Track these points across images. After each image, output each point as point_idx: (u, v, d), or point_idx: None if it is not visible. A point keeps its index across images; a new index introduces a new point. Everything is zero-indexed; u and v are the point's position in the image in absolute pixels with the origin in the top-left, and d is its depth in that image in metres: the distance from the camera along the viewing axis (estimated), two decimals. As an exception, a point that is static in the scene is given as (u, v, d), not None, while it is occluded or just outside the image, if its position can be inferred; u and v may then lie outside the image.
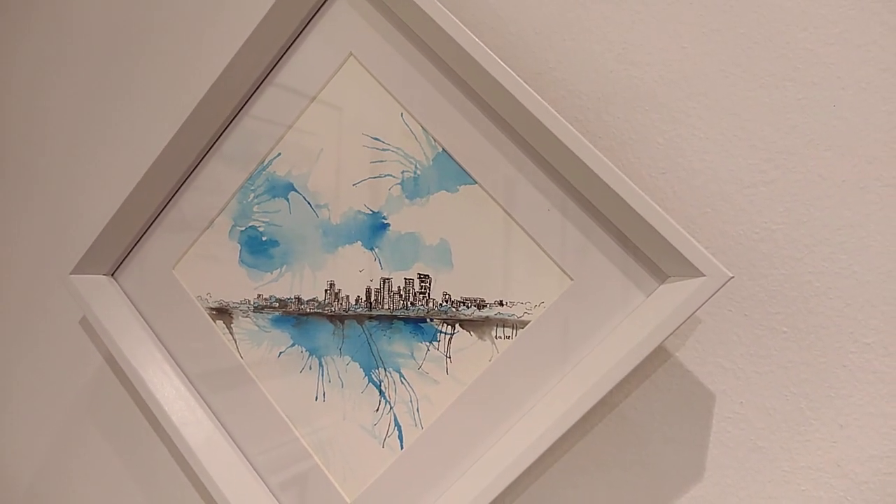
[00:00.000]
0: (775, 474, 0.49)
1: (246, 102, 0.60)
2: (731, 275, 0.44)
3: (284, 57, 0.58)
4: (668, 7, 0.52)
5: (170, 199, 0.63)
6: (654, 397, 0.52)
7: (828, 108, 0.49)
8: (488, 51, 0.49)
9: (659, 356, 0.52)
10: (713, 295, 0.43)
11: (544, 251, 0.50)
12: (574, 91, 0.55)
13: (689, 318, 0.44)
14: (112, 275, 0.67)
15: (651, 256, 0.47)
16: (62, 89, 0.78)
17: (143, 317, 0.65)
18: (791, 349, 0.49)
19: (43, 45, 0.80)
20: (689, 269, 0.44)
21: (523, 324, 0.51)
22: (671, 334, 0.44)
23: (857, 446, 0.47)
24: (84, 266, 0.64)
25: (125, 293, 0.66)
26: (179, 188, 0.63)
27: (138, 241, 0.65)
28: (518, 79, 0.48)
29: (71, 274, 0.64)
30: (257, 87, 0.59)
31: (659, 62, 0.53)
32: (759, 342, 0.50)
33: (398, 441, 0.54)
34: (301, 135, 0.58)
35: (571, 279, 0.49)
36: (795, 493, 0.48)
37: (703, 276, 0.43)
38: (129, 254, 0.65)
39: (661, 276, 0.47)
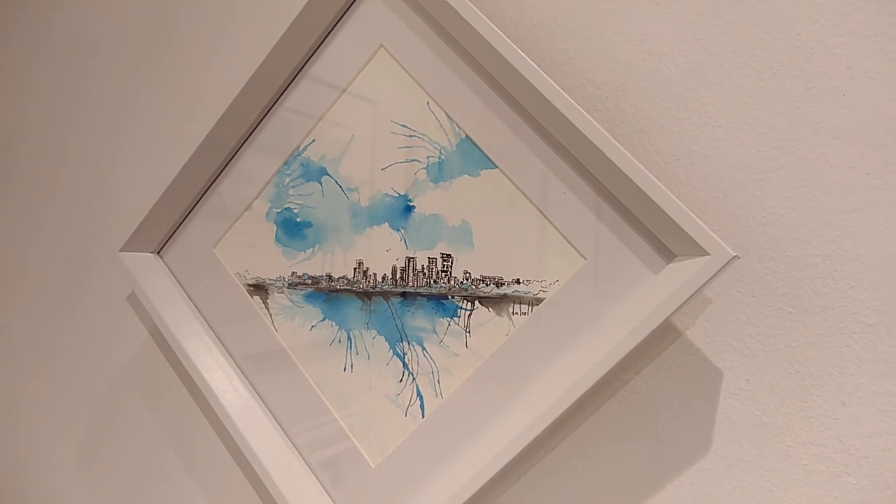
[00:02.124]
0: (779, 448, 0.51)
1: (282, 93, 0.64)
2: (734, 254, 0.46)
3: (319, 50, 0.62)
4: (686, 3, 0.55)
5: (211, 183, 0.67)
6: (664, 374, 0.54)
7: (837, 97, 0.51)
8: (510, 42, 0.52)
9: (670, 335, 0.54)
10: (717, 273, 0.46)
11: (559, 232, 0.53)
12: (593, 81, 0.57)
13: (693, 295, 0.46)
14: (158, 253, 0.71)
15: (659, 236, 0.49)
16: (114, 79, 0.83)
17: (185, 291, 0.70)
18: (797, 329, 0.51)
19: (96, 38, 0.86)
20: (695, 249, 0.46)
21: (538, 301, 0.54)
22: (676, 310, 0.47)
23: (857, 423, 0.49)
24: (133, 244, 0.69)
25: (170, 270, 0.70)
26: (220, 173, 0.67)
27: (182, 221, 0.69)
28: (537, 69, 0.51)
29: (121, 251, 0.69)
30: (293, 79, 0.63)
31: (675, 53, 0.55)
32: (766, 322, 0.52)
33: (420, 410, 0.58)
34: (333, 122, 0.62)
35: (585, 258, 0.52)
36: (798, 467, 0.50)
37: (708, 255, 0.46)
38: (173, 234, 0.70)
39: (669, 256, 0.49)
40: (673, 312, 0.47)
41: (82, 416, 0.83)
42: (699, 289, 0.46)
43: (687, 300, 0.46)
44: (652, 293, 0.48)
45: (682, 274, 0.47)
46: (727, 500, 0.52)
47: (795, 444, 0.51)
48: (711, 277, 0.46)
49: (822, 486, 0.50)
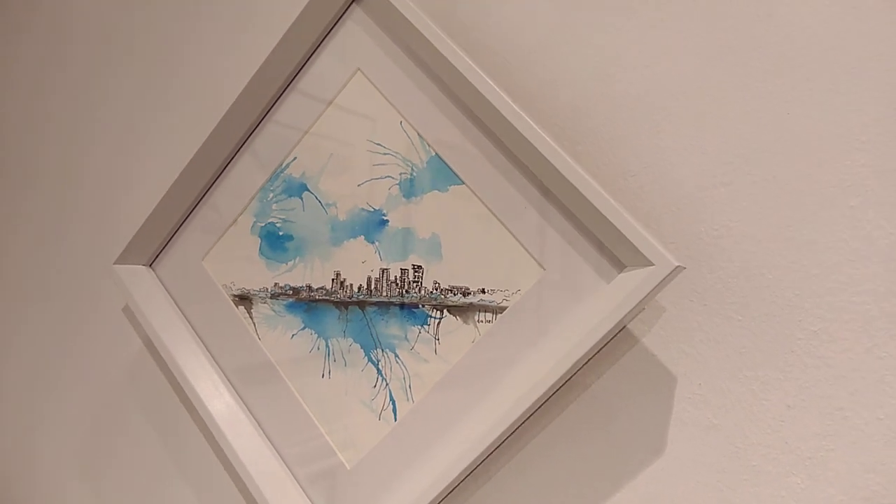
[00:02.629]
0: (728, 450, 0.54)
1: (266, 113, 0.67)
2: (678, 264, 0.49)
3: (301, 72, 0.66)
4: (641, 31, 0.58)
5: (200, 199, 0.71)
6: (622, 379, 0.57)
7: (782, 115, 0.54)
8: (475, 66, 0.56)
9: (627, 341, 0.57)
10: (662, 282, 0.49)
11: (521, 244, 0.56)
12: (556, 103, 0.61)
13: (640, 302, 0.49)
14: (150, 265, 0.75)
15: (611, 248, 0.52)
16: (108, 101, 0.88)
17: (175, 302, 0.73)
18: (745, 336, 0.54)
19: (90, 57, 0.90)
20: (642, 259, 0.49)
21: (502, 309, 0.57)
22: (624, 316, 0.50)
23: (802, 425, 0.52)
24: (126, 257, 0.73)
25: (161, 281, 0.74)
26: (209, 189, 0.71)
27: (173, 235, 0.73)
28: (500, 92, 0.55)
29: (115, 264, 0.73)
30: (277, 99, 0.67)
31: (632, 78, 0.58)
32: (717, 329, 0.55)
33: (392, 414, 0.61)
34: (314, 140, 0.65)
35: (544, 269, 0.55)
36: (746, 468, 0.53)
37: (653, 265, 0.49)
38: (164, 247, 0.74)
39: (620, 266, 0.52)
40: (622, 318, 0.50)
41: (81, 422, 0.87)
42: (645, 296, 0.49)
43: (634, 307, 0.49)
44: (604, 301, 0.52)
45: (631, 283, 0.50)
46: (680, 499, 0.55)
47: (744, 445, 0.53)
48: (657, 286, 0.49)
49: (769, 486, 0.52)
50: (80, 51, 0.91)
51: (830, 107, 0.52)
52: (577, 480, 0.58)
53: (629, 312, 0.50)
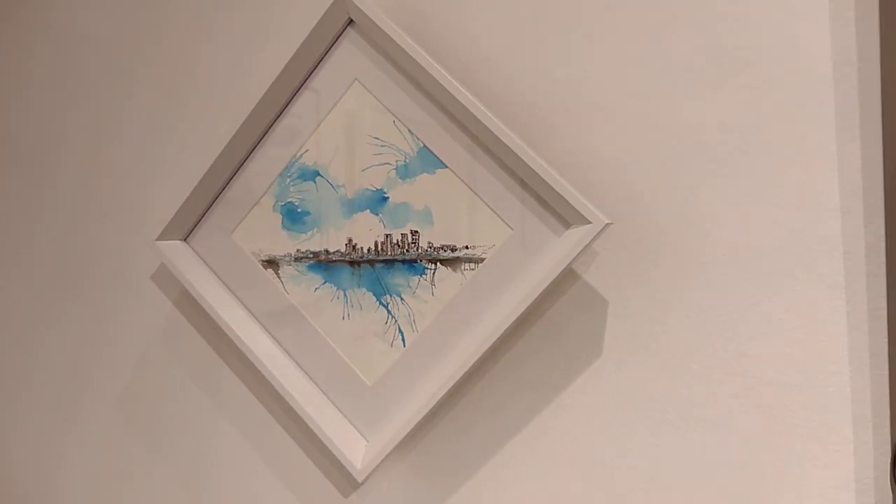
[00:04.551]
0: (650, 349, 0.76)
1: (282, 112, 0.84)
2: (608, 221, 0.70)
3: (308, 81, 0.82)
4: (578, 41, 0.77)
5: (229, 182, 0.87)
6: (570, 306, 0.79)
7: (677, 110, 0.74)
8: (447, 74, 0.74)
9: (572, 278, 0.78)
10: (598, 235, 0.70)
11: (493, 210, 0.76)
12: (513, 99, 0.80)
13: (582, 251, 0.70)
14: (185, 240, 0.91)
15: (560, 212, 0.73)
16: (148, 96, 1.01)
17: (210, 268, 0.90)
18: (655, 270, 0.76)
19: (124, 57, 1.03)
20: (582, 219, 0.70)
21: (481, 260, 0.77)
22: (571, 262, 0.70)
23: (696, 333, 0.74)
24: (166, 234, 0.89)
25: (196, 253, 0.91)
26: (236, 173, 0.87)
27: (205, 214, 0.89)
28: (469, 95, 0.73)
29: (156, 240, 0.89)
30: (289, 103, 0.83)
31: (571, 79, 0.78)
32: (634, 266, 0.76)
33: (402, 342, 0.81)
34: (322, 136, 0.83)
35: (511, 229, 0.76)
36: (663, 364, 0.76)
37: (590, 223, 0.70)
38: (197, 224, 0.90)
39: (567, 224, 0.73)
40: (569, 263, 0.71)
41: (122, 373, 1.03)
42: (585, 246, 0.70)
43: (577, 255, 0.70)
44: (555, 251, 0.72)
45: (575, 237, 0.71)
46: (616, 385, 0.77)
47: (658, 345, 0.76)
48: (593, 238, 0.70)
49: (671, 378, 0.75)
50: (116, 48, 1.02)
51: (720, 108, 0.73)
52: (541, 381, 0.80)
53: (573, 258, 0.71)
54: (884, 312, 0.69)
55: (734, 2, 0.72)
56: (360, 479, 0.80)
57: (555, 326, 0.80)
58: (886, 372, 0.69)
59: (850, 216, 0.69)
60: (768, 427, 0.73)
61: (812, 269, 0.71)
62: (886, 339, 0.69)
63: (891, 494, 0.70)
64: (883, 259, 0.69)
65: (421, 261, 0.79)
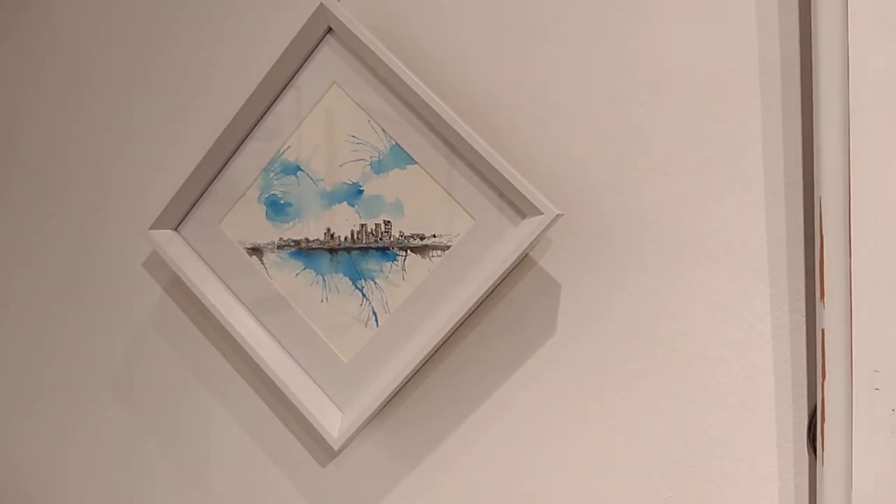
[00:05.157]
0: (595, 326, 0.85)
1: (265, 115, 0.91)
2: (559, 212, 0.78)
3: (290, 83, 0.90)
4: (539, 49, 0.86)
5: (217, 175, 0.95)
6: (527, 289, 0.87)
7: (636, 110, 0.83)
8: (415, 78, 0.81)
9: (529, 264, 0.87)
10: (549, 224, 0.78)
11: (458, 203, 0.84)
12: (482, 100, 0.88)
13: (536, 239, 0.78)
14: (176, 229, 0.98)
15: (517, 204, 0.81)
16: (144, 98, 1.08)
17: (199, 255, 0.97)
18: (601, 255, 0.84)
19: (124, 57, 1.10)
20: (536, 210, 0.78)
21: (447, 247, 0.85)
22: (525, 249, 0.79)
23: (650, 301, 0.83)
24: (158, 224, 0.96)
25: (186, 241, 0.98)
26: (223, 168, 0.94)
27: (194, 205, 0.97)
28: (434, 96, 0.81)
29: (150, 229, 0.96)
30: (273, 104, 0.91)
31: (532, 82, 0.86)
32: (583, 252, 0.85)
33: (375, 322, 0.89)
34: (304, 134, 0.90)
35: (474, 219, 0.84)
36: (616, 339, 0.84)
37: (542, 213, 0.78)
38: (187, 214, 0.97)
39: (523, 215, 0.81)
40: (524, 250, 0.79)
41: (114, 354, 1.10)
42: (539, 235, 0.78)
43: (531, 242, 0.78)
44: (513, 239, 0.81)
45: (529, 226, 0.79)
46: (570, 359, 0.86)
47: (605, 323, 0.84)
48: (546, 227, 0.78)
49: (617, 354, 0.84)
50: (114, 53, 1.09)
51: (694, 104, 0.82)
52: (503, 357, 0.88)
53: (528, 245, 0.79)
54: (802, 294, 0.78)
55: (672, 19, 0.81)
56: (336, 448, 0.88)
57: (514, 308, 0.88)
58: (804, 347, 0.78)
59: (772, 208, 0.78)
60: (701, 396, 0.81)
61: (739, 255, 0.79)
62: (804, 318, 0.78)
63: (807, 456, 0.79)
64: (802, 246, 0.78)
65: (393, 248, 0.87)
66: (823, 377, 0.72)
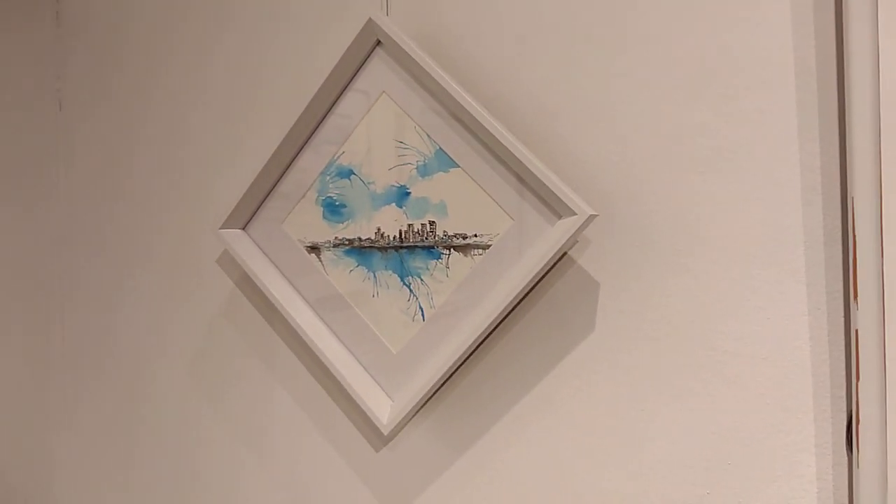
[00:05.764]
0: (632, 324, 0.87)
1: (320, 123, 0.98)
2: (593, 212, 0.81)
3: (343, 94, 0.97)
4: (577, 60, 0.89)
5: (280, 178, 1.03)
6: (567, 286, 0.90)
7: (660, 109, 0.85)
8: (459, 89, 0.86)
9: (569, 263, 0.90)
10: (583, 224, 0.81)
11: (498, 204, 0.88)
12: (523, 105, 0.91)
13: (570, 237, 0.81)
14: (244, 228, 1.07)
15: (553, 205, 0.84)
16: (213, 106, 1.18)
17: (265, 253, 1.06)
18: (639, 256, 0.86)
19: (190, 66, 1.20)
20: (570, 211, 0.82)
21: (488, 246, 0.89)
22: (562, 247, 0.82)
23: (677, 309, 0.85)
24: (227, 224, 1.05)
25: (252, 240, 1.06)
26: (285, 172, 1.02)
27: (259, 206, 1.05)
28: (478, 106, 0.86)
29: (219, 229, 1.05)
30: (326, 115, 0.98)
31: (570, 88, 0.89)
32: (620, 251, 0.87)
33: (422, 316, 0.94)
34: (356, 141, 0.97)
35: (512, 220, 0.88)
36: (646, 338, 0.86)
37: (576, 214, 0.81)
38: (254, 215, 1.06)
39: (558, 216, 0.85)
40: (560, 248, 0.82)
41: (188, 349, 1.20)
42: (573, 234, 0.81)
43: (567, 241, 0.81)
44: (549, 239, 0.84)
45: (565, 226, 0.82)
46: (607, 352, 0.88)
47: (642, 322, 0.86)
48: (580, 227, 0.81)
49: (654, 352, 0.86)
50: (181, 60, 1.20)
51: (693, 96, 0.83)
52: (543, 352, 0.92)
53: (564, 244, 0.82)
54: (840, 294, 0.78)
55: (708, 20, 0.82)
56: (385, 433, 0.94)
57: (554, 305, 0.91)
58: (843, 347, 0.78)
59: (810, 208, 0.78)
60: (738, 395, 0.82)
61: (776, 255, 0.80)
62: (843, 318, 0.78)
63: (846, 457, 0.79)
64: (839, 246, 0.77)
65: (437, 247, 0.92)
66: (858, 378, 0.72)
